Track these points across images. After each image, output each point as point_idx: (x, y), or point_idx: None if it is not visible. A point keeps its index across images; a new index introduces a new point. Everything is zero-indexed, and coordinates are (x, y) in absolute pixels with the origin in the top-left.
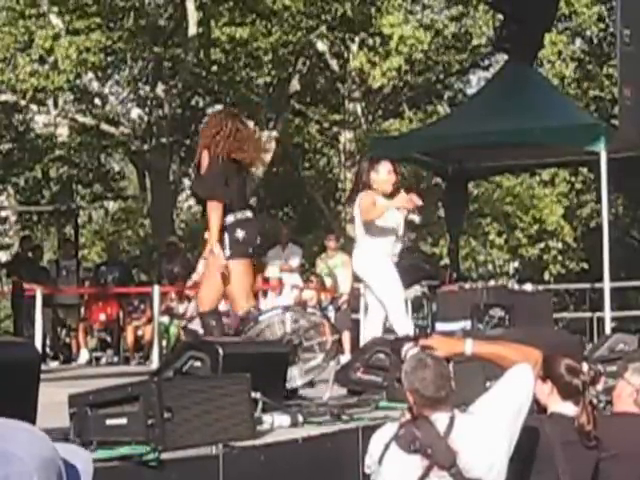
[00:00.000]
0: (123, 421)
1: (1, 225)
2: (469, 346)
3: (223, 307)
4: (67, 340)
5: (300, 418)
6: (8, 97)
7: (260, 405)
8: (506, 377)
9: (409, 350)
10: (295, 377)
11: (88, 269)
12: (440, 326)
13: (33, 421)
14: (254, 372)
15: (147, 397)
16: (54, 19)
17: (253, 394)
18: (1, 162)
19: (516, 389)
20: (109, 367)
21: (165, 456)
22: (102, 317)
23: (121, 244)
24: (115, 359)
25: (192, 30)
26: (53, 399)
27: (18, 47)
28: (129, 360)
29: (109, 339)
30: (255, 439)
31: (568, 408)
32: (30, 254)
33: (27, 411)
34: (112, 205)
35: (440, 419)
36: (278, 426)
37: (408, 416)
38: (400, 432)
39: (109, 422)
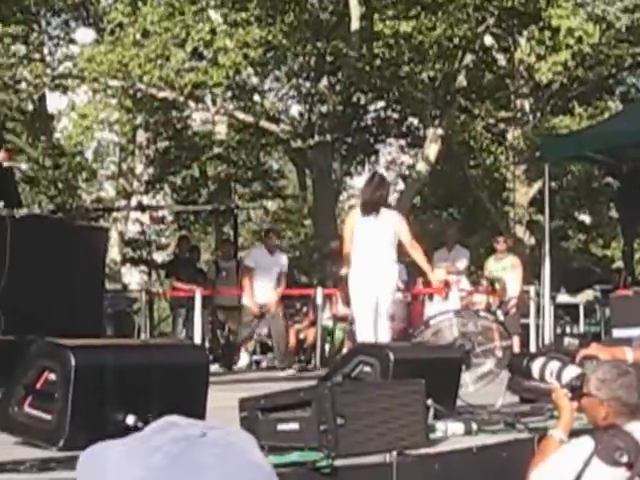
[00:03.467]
0: (295, 426)
1: (158, 225)
2: (630, 354)
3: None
4: (223, 342)
5: (474, 426)
6: (166, 94)
7: (432, 412)
8: None
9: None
10: (467, 383)
11: None
12: (617, 332)
13: None
14: (425, 378)
15: (320, 402)
16: (213, 14)
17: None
18: (158, 160)
19: None
20: (270, 371)
21: (338, 463)
22: None
23: (282, 245)
24: (276, 363)
25: (355, 24)
26: (217, 403)
27: (175, 43)
28: (290, 364)
29: (270, 342)
30: (429, 447)
31: None
32: (188, 255)
33: (197, 415)
34: (271, 204)
35: (637, 429)
36: (452, 434)
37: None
38: (600, 445)
39: (280, 427)
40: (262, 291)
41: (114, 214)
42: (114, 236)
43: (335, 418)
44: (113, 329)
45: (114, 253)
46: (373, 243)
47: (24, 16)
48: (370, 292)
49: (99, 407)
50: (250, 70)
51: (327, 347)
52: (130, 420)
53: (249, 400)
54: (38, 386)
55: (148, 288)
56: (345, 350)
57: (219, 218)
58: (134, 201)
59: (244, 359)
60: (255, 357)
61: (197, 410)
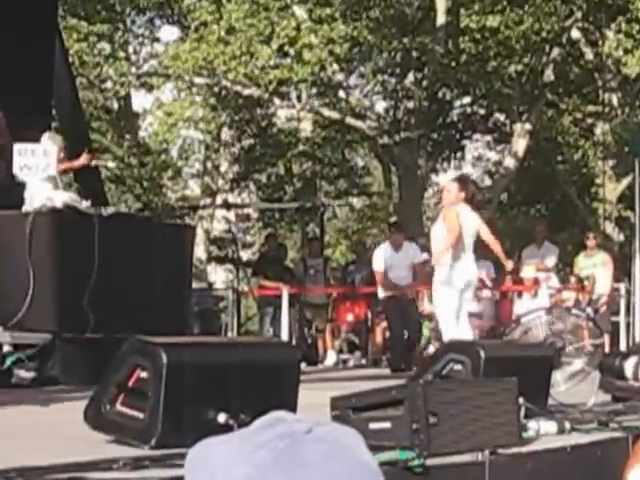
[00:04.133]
0: (387, 425)
1: (243, 223)
2: None
3: (475, 309)
4: (310, 341)
5: (567, 425)
6: (251, 91)
7: (523, 411)
8: None
9: None
10: (558, 382)
11: (334, 268)
12: None
13: None
14: (516, 376)
15: (412, 401)
16: (298, 10)
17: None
18: (243, 158)
19: None
20: (357, 370)
21: (430, 462)
22: (350, 318)
23: (367, 242)
24: (363, 361)
25: (440, 19)
26: (306, 401)
27: (260, 39)
28: (378, 363)
29: (357, 341)
30: (522, 446)
31: None
32: (275, 253)
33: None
34: (356, 202)
35: None
36: (544, 433)
37: None
38: None
39: (372, 426)
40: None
41: (199, 212)
42: (200, 234)
43: (427, 417)
44: (199, 327)
45: (200, 251)
46: (465, 240)
47: (109, 15)
48: (459, 289)
49: (190, 405)
50: (335, 66)
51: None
52: (222, 418)
53: (340, 399)
54: (130, 384)
55: (235, 286)
56: (431, 348)
57: (305, 216)
58: (219, 199)
59: (331, 357)
60: (342, 356)
61: (288, 408)
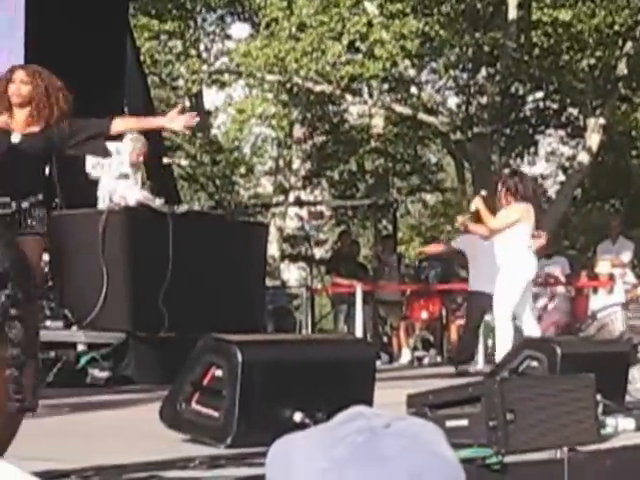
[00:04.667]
0: (464, 423)
1: (316, 220)
2: None
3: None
4: (385, 339)
5: None
6: (323, 87)
7: (601, 407)
8: None
9: None
10: (636, 379)
11: (407, 265)
12: None
13: None
14: (593, 372)
15: (489, 398)
16: (369, 6)
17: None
18: (315, 155)
19: None
20: (432, 368)
21: (508, 459)
22: (424, 315)
23: (440, 239)
24: (438, 359)
25: (512, 13)
26: (382, 399)
27: (331, 36)
28: (453, 360)
29: (431, 338)
30: (600, 443)
31: None
32: (348, 250)
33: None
34: (429, 198)
35: None
36: (622, 430)
37: None
38: None
39: (449, 423)
40: None
41: (272, 210)
42: (272, 232)
43: (505, 414)
44: (273, 326)
45: (273, 249)
46: (520, 237)
47: (180, 12)
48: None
49: (266, 404)
50: (407, 62)
51: (489, 343)
52: (297, 417)
53: (417, 396)
54: (205, 382)
55: (308, 284)
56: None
57: (377, 212)
58: (292, 197)
59: (406, 355)
60: (417, 353)
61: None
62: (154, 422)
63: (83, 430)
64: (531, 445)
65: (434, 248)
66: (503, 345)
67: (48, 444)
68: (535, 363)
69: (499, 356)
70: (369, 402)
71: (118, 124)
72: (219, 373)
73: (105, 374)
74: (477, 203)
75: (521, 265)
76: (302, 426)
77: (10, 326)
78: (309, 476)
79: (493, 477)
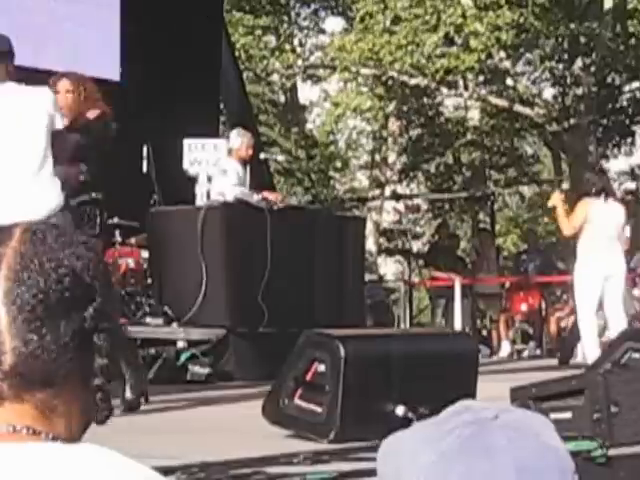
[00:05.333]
0: (567, 415)
1: (413, 214)
2: None
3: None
4: (484, 332)
5: None
6: (418, 81)
7: None
8: None
9: None
10: None
11: (506, 257)
12: None
13: None
14: None
15: (593, 390)
16: None
17: None
18: (411, 149)
19: None
20: (532, 360)
21: (612, 452)
22: (523, 308)
23: (538, 231)
24: (537, 352)
25: (608, 3)
26: (484, 393)
27: (426, 28)
28: (553, 353)
29: (531, 331)
30: None
31: None
32: (447, 242)
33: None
34: (527, 190)
35: None
36: None
37: None
38: None
39: (553, 416)
40: None
41: (368, 204)
42: (369, 226)
43: (609, 406)
44: (372, 320)
45: (370, 243)
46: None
47: (274, 7)
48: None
49: (369, 398)
50: (502, 53)
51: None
52: (400, 411)
53: (520, 389)
54: (308, 378)
55: (406, 278)
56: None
57: (474, 205)
58: (388, 190)
59: (505, 348)
60: (516, 346)
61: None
62: (255, 418)
63: (185, 427)
64: (636, 438)
65: None
66: (586, 340)
67: (150, 441)
68: (637, 355)
69: (585, 349)
70: (472, 395)
71: None
72: (322, 368)
73: (205, 370)
74: (555, 200)
75: (583, 263)
76: (405, 420)
77: (99, 338)
78: (418, 470)
79: (597, 470)
